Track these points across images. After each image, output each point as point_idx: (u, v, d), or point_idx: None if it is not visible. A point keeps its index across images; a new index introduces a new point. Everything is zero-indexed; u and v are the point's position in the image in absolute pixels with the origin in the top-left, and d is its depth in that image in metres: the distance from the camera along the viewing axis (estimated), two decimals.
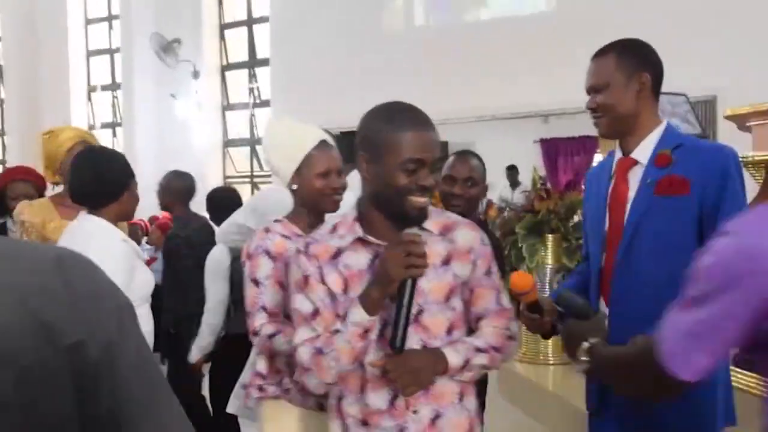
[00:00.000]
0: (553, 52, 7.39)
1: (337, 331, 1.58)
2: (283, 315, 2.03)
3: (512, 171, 9.20)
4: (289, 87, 9.24)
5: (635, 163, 1.94)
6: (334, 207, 2.13)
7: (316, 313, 1.65)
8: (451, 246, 1.70)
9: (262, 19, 10.00)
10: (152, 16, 10.21)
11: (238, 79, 10.53)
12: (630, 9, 6.81)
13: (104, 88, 11.86)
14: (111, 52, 11.65)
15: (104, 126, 11.90)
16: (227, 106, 10.52)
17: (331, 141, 2.19)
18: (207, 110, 10.22)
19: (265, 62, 9.94)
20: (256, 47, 10.30)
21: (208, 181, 10.44)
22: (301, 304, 1.67)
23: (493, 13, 8.23)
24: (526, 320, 1.92)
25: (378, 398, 1.65)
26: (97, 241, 2.16)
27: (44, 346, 0.71)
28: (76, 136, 2.99)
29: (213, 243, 3.45)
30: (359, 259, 1.65)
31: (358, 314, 1.57)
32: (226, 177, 10.54)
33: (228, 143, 10.70)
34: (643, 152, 1.92)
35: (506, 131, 9.30)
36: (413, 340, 1.63)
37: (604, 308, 1.95)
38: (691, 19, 6.63)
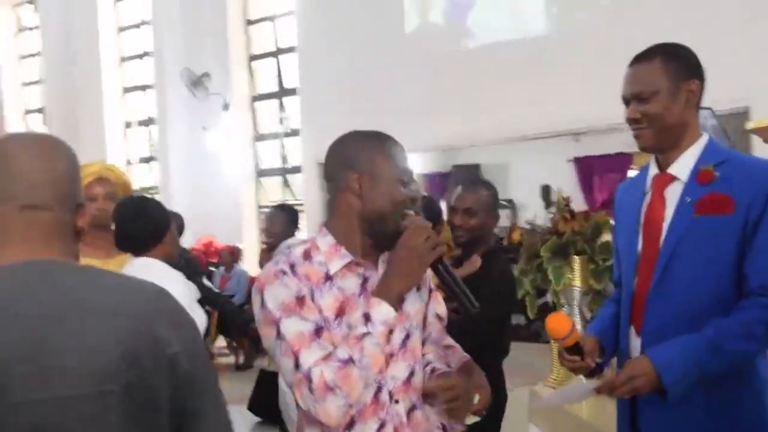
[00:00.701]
0: (579, 71, 7.31)
1: (364, 335, 1.48)
2: None
3: (547, 190, 9.10)
4: (317, 115, 9.30)
5: (673, 179, 1.77)
6: None
7: (320, 330, 1.51)
8: None
9: (289, 50, 10.11)
10: (183, 52, 10.41)
11: (267, 109, 10.65)
12: (654, 21, 6.70)
13: (140, 123, 12.11)
14: (145, 88, 11.91)
15: (142, 161, 12.14)
16: (258, 137, 10.63)
17: None
18: (238, 141, 10.35)
19: (293, 92, 10.04)
20: (283, 77, 10.41)
21: (242, 210, 10.58)
22: (298, 325, 1.50)
23: (521, 32, 8.17)
24: (568, 363, 1.81)
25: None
26: (164, 281, 2.22)
27: (157, 353, 1.07)
28: (93, 173, 2.95)
29: None
30: (351, 283, 1.58)
31: (384, 311, 1.50)
32: (259, 206, 10.63)
33: (260, 173, 10.80)
34: (682, 168, 1.76)
35: (538, 151, 9.21)
36: (402, 367, 1.60)
37: (634, 338, 1.81)
38: (716, 29, 6.49)
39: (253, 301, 1.57)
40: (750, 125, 3.15)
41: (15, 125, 13.63)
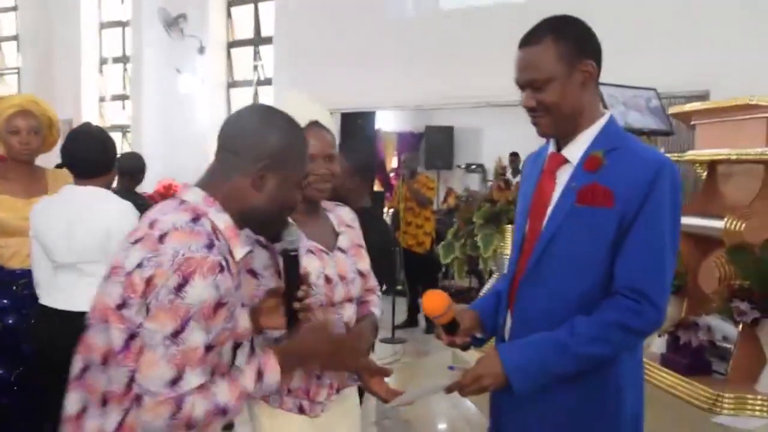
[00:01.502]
0: None
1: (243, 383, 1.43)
2: None
3: (515, 158, 9.15)
4: (291, 66, 9.24)
5: (565, 161, 1.68)
6: (319, 195, 1.97)
7: (209, 348, 1.37)
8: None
9: None
10: None
11: (243, 56, 10.55)
12: None
13: (115, 60, 11.96)
14: (123, 25, 11.73)
15: (114, 98, 12.02)
16: (232, 83, 10.55)
17: (327, 122, 1.99)
18: (211, 86, 10.27)
19: (269, 40, 9.94)
20: (261, 25, 10.30)
21: (209, 155, 10.50)
22: (199, 338, 1.34)
23: None
24: (444, 340, 1.78)
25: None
26: (114, 202, 2.59)
27: None
28: (15, 105, 2.87)
29: None
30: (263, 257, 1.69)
31: (275, 378, 1.48)
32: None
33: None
34: (575, 150, 1.67)
35: (511, 119, 9.16)
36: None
37: (509, 320, 1.76)
38: (678, 12, 6.52)
39: (163, 274, 1.31)
40: (672, 110, 3.21)
41: None
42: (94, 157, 2.61)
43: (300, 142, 1.54)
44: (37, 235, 2.52)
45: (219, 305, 1.34)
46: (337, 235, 2.02)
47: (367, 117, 9.82)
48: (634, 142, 1.69)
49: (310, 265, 1.87)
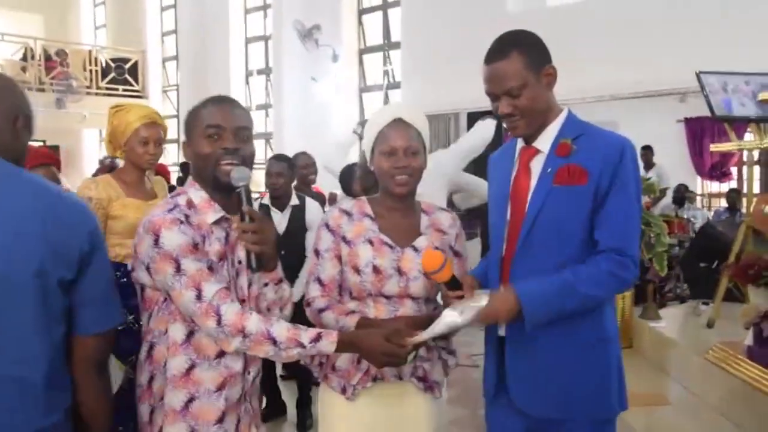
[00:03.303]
0: (690, 28, 7.04)
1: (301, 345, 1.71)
2: (337, 291, 2.08)
3: (646, 151, 8.83)
4: (418, 69, 9.51)
5: (537, 152, 1.92)
6: (399, 189, 2.04)
7: (211, 269, 1.71)
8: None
9: (395, 3, 10.32)
10: (298, 4, 10.88)
11: (374, 61, 10.97)
12: None
13: (259, 72, 12.83)
14: (265, 39, 12.56)
15: (259, 107, 12.88)
16: (364, 88, 10.99)
17: (414, 119, 2.08)
18: (345, 92, 10.76)
19: (398, 45, 10.28)
20: (390, 31, 10.66)
21: (348, 159, 11.00)
22: (195, 264, 1.69)
23: None
24: (452, 296, 1.89)
25: None
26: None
27: None
28: (146, 116, 3.00)
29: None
30: (222, 235, 1.81)
31: (328, 347, 1.72)
32: (363, 155, 11.00)
33: (364, 123, 11.13)
34: (545, 141, 1.91)
35: (644, 110, 8.91)
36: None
37: None
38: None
39: (142, 238, 1.71)
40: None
41: (153, 71, 14.82)
42: None
43: (197, 107, 1.85)
44: None
45: (194, 245, 1.71)
46: (418, 234, 2.09)
47: (491, 115, 9.86)
48: (594, 128, 1.91)
49: (361, 253, 2.02)
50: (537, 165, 1.91)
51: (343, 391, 2.05)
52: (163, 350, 1.77)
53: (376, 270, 2.01)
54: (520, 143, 1.99)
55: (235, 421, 1.83)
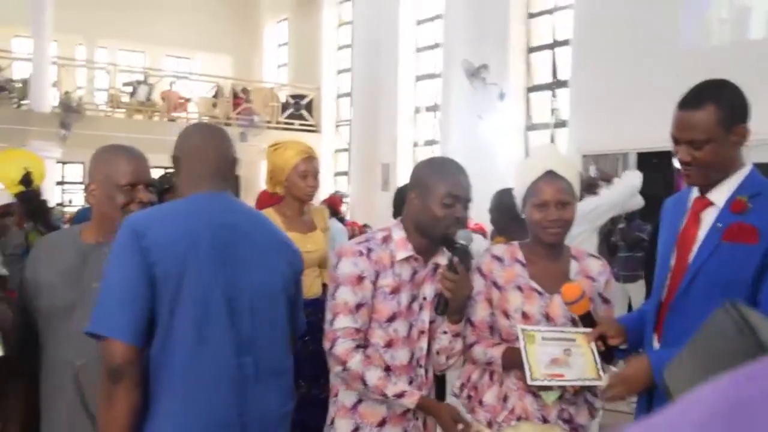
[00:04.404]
0: None
1: (384, 395, 2.06)
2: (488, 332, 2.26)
3: None
4: (587, 107, 9.33)
5: (710, 204, 1.89)
6: (551, 238, 2.14)
7: (360, 306, 2.06)
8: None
9: (564, 42, 10.23)
10: (467, 43, 11.09)
11: (540, 99, 10.90)
12: None
13: (428, 109, 13.17)
14: (434, 77, 12.90)
15: (426, 143, 13.21)
16: (530, 126, 10.95)
17: (565, 171, 2.15)
18: (510, 129, 10.78)
19: (564, 83, 10.16)
20: (557, 69, 10.56)
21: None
22: (346, 296, 2.06)
23: None
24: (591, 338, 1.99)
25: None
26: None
27: None
28: (303, 152, 3.15)
29: None
30: (407, 271, 2.12)
31: (410, 403, 2.06)
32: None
33: None
34: (720, 195, 1.87)
35: None
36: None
37: (656, 344, 1.96)
38: None
39: (331, 260, 2.20)
40: None
41: (328, 106, 15.65)
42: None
43: (431, 164, 2.29)
44: None
45: (360, 277, 2.04)
46: (567, 281, 2.15)
47: (662, 155, 9.44)
48: None
49: (511, 299, 2.15)
50: (707, 217, 1.90)
51: (489, 425, 2.17)
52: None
53: (524, 316, 2.13)
54: (695, 192, 1.98)
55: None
